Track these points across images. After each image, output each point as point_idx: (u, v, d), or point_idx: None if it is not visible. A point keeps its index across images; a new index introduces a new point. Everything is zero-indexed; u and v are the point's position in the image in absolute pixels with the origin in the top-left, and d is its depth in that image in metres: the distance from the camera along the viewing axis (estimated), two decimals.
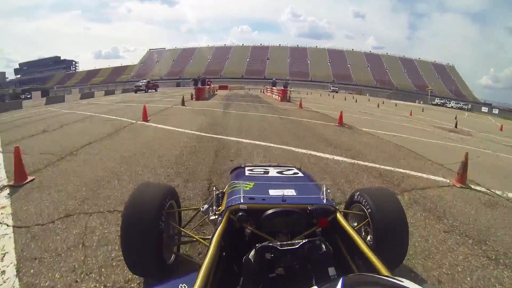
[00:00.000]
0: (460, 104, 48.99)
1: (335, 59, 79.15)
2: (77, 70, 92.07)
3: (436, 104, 48.81)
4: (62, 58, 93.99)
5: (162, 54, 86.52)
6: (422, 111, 24.92)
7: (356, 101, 28.84)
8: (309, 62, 77.67)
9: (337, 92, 50.09)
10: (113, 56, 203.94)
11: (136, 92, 28.60)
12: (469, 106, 49.09)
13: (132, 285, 1.81)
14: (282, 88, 20.35)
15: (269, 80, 64.14)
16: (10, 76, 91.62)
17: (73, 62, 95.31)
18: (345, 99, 31.03)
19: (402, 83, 71.78)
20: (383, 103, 30.37)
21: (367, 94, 53.24)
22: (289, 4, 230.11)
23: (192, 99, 17.21)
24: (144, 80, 34.40)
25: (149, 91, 30.40)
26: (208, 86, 23.05)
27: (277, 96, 21.03)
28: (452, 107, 46.26)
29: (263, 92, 31.56)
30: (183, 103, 13.61)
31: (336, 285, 0.57)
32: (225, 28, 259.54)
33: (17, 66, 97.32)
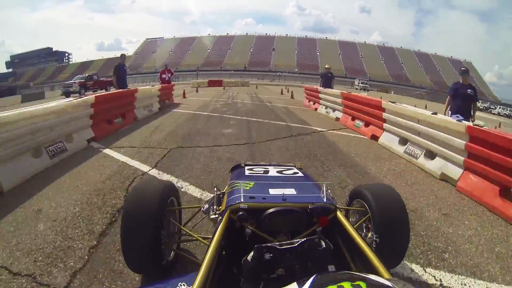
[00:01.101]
0: (508, 110, 37.68)
1: (347, 52, 72.81)
2: (70, 62, 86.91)
3: (478, 109, 39.84)
4: (54, 49, 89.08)
5: (159, 44, 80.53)
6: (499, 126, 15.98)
7: None
8: (318, 54, 71.34)
9: (367, 90, 38.43)
10: (116, 48, 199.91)
11: (67, 96, 15.85)
12: None
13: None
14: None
15: (276, 74, 58.63)
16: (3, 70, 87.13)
17: (66, 54, 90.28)
18: None
19: (419, 80, 65.58)
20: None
21: (392, 92, 44.05)
22: None
23: None
24: (81, 76, 21.69)
25: (90, 91, 18.56)
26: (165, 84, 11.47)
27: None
28: (499, 113, 35.70)
29: (312, 105, 10.91)
30: None
31: (307, 281, 0.62)
32: (229, 21, 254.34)
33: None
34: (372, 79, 60.27)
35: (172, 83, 12.91)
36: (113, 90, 9.38)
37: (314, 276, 0.63)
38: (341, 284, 0.56)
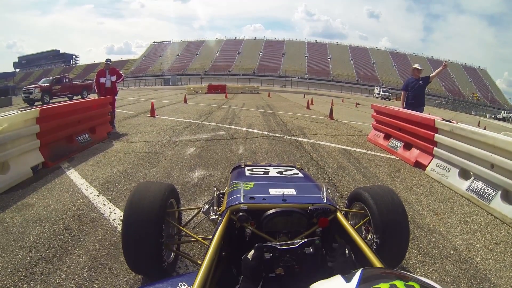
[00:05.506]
0: None
1: (358, 58, 70.79)
2: (77, 64, 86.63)
3: (503, 119, 35.64)
4: (62, 51, 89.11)
5: (167, 48, 79.51)
6: None
7: None
8: (329, 59, 69.40)
9: (389, 99, 35.41)
10: (125, 52, 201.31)
11: (30, 103, 14.50)
12: None
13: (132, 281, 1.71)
14: None
15: (286, 79, 56.96)
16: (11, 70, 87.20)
17: (73, 56, 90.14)
18: None
19: (433, 87, 62.92)
20: None
21: None
22: (303, 3, 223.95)
23: None
24: (47, 79, 17.23)
25: (59, 98, 15.58)
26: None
27: None
28: None
29: (404, 152, 5.13)
30: None
31: (354, 275, 0.63)
32: (238, 26, 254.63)
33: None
34: (386, 86, 58.28)
35: (118, 89, 7.60)
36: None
37: (361, 269, 0.64)
38: (393, 282, 0.55)
